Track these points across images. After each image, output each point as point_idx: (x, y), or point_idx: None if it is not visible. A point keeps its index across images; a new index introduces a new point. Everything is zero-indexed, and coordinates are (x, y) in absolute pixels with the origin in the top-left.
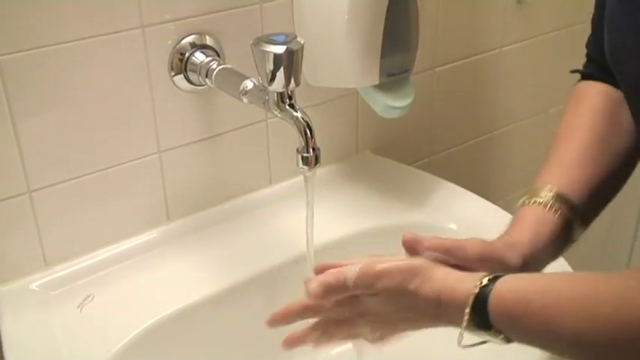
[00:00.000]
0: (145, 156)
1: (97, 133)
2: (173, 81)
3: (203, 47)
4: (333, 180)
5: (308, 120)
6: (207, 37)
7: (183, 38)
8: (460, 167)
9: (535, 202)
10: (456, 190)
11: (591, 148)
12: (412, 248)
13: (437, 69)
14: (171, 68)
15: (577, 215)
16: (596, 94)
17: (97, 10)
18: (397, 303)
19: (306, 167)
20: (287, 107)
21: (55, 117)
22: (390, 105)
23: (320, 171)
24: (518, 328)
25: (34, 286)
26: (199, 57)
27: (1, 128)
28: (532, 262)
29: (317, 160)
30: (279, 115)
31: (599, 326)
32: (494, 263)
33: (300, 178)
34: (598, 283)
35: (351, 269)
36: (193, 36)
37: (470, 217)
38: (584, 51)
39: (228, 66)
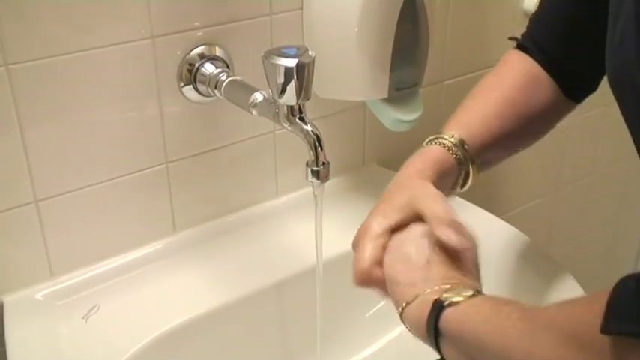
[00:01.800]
0: (153, 166)
1: (105, 143)
2: (182, 92)
3: (212, 58)
4: (339, 192)
5: (318, 134)
6: (217, 48)
7: (192, 49)
8: None
9: (439, 143)
10: (460, 203)
11: (498, 108)
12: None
13: (445, 82)
14: (180, 79)
15: (472, 163)
16: (521, 64)
17: (108, 21)
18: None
19: (315, 181)
20: (297, 120)
21: (62, 127)
22: (399, 119)
23: (326, 183)
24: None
25: (39, 295)
26: (209, 68)
27: (9, 137)
28: None
29: (327, 174)
30: (289, 128)
31: None
32: None
33: (307, 190)
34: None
35: None
36: (203, 47)
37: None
38: None
39: (238, 78)
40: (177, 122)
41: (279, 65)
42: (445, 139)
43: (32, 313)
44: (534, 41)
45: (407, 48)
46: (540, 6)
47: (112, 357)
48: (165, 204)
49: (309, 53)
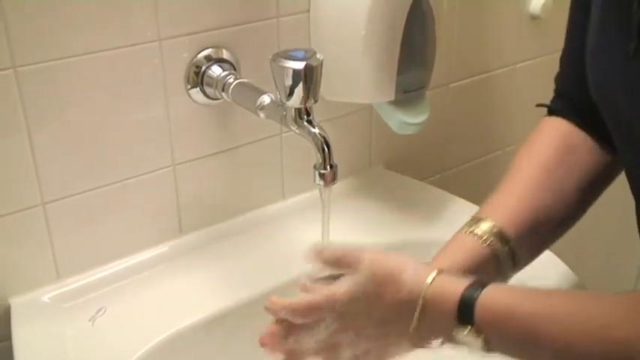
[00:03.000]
0: (160, 169)
1: (112, 145)
2: (189, 94)
3: (220, 61)
4: (345, 195)
5: (326, 136)
6: (224, 50)
7: (199, 52)
8: (472, 184)
9: (472, 232)
10: (467, 206)
11: (537, 183)
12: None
13: (451, 85)
14: (188, 81)
15: (510, 254)
16: (555, 130)
17: (115, 23)
18: (373, 318)
19: (323, 184)
20: (305, 123)
21: (70, 129)
22: (406, 121)
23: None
24: (502, 332)
25: (46, 298)
26: (216, 71)
27: (17, 139)
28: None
29: (334, 176)
30: (297, 131)
31: (585, 341)
32: None
33: (313, 192)
34: (588, 300)
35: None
36: (210, 49)
37: None
38: None
39: (245, 80)
40: (184, 125)
41: (287, 68)
42: (478, 228)
43: (39, 316)
44: (566, 101)
45: (414, 50)
46: (562, 66)
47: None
48: (172, 206)
49: (317, 56)
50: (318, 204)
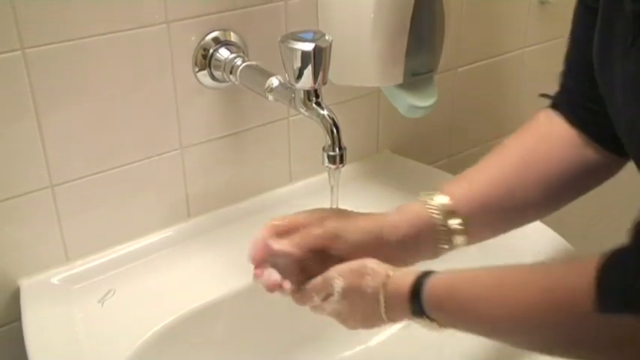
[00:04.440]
0: (167, 152)
1: (120, 128)
2: (197, 77)
3: (227, 43)
4: (352, 179)
5: (335, 118)
6: (232, 33)
7: (207, 34)
8: None
9: (425, 201)
10: None
11: (504, 180)
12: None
13: (459, 69)
14: (195, 64)
15: (456, 231)
16: (544, 123)
17: (123, 5)
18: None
19: (332, 166)
20: (314, 105)
21: (78, 111)
22: (414, 105)
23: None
24: (446, 315)
25: (55, 280)
26: (224, 53)
27: (25, 122)
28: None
29: (343, 158)
30: (306, 113)
31: (526, 309)
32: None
33: (321, 176)
34: (524, 273)
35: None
36: (218, 32)
37: None
38: None
39: (253, 63)
40: (192, 108)
41: (296, 49)
42: (432, 200)
43: (48, 297)
44: (564, 97)
45: (423, 33)
46: (565, 62)
47: (127, 341)
48: (179, 190)
49: (326, 37)
50: (325, 188)
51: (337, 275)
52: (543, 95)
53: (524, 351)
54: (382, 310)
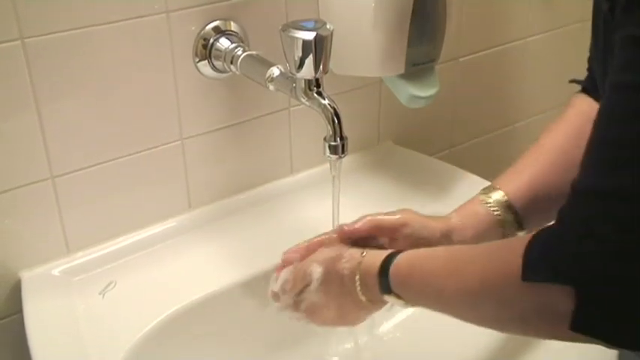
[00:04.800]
0: (168, 143)
1: (120, 119)
2: (197, 67)
3: (227, 33)
4: (353, 170)
5: (336, 108)
6: (232, 22)
7: (207, 24)
8: (481, 159)
9: (483, 200)
10: (476, 181)
11: (553, 167)
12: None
13: (460, 59)
14: (196, 54)
15: (515, 222)
16: (579, 110)
17: None
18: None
19: (333, 156)
20: (315, 95)
21: (78, 102)
22: (415, 95)
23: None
24: (407, 289)
25: (56, 272)
26: (224, 43)
27: (25, 113)
28: None
29: (344, 148)
30: (307, 102)
31: (466, 282)
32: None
33: (321, 167)
34: (471, 249)
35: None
36: (218, 21)
37: None
38: None
39: (254, 52)
40: (193, 98)
41: (297, 38)
42: (490, 198)
43: (49, 289)
44: (592, 80)
45: (425, 23)
46: (590, 47)
47: (129, 333)
48: (180, 181)
49: (327, 26)
50: (326, 179)
51: (314, 262)
52: (573, 81)
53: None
54: (358, 289)
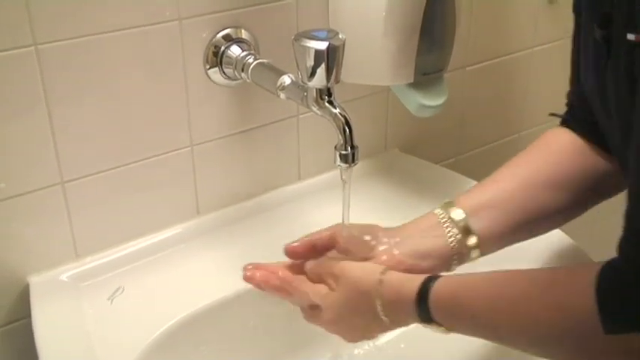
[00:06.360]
0: (178, 149)
1: (131, 124)
2: (208, 74)
3: (239, 41)
4: (360, 177)
5: (347, 117)
6: (243, 30)
7: (219, 31)
8: (487, 167)
9: (441, 214)
10: None
11: (516, 191)
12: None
13: (467, 68)
14: (207, 61)
15: (472, 244)
16: (557, 138)
17: (135, 2)
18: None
19: (344, 165)
20: (326, 104)
21: (89, 108)
22: (424, 104)
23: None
24: (454, 322)
25: (64, 277)
26: (235, 51)
27: (37, 118)
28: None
29: (355, 157)
30: (318, 111)
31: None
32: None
33: (329, 174)
34: (524, 285)
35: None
36: (229, 29)
37: None
38: None
39: (265, 60)
40: (203, 105)
41: (310, 48)
42: (447, 214)
43: (57, 294)
44: (576, 113)
45: (434, 32)
46: (570, 82)
47: (137, 338)
48: (189, 187)
49: (340, 36)
50: (333, 186)
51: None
52: (553, 114)
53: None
54: (379, 309)
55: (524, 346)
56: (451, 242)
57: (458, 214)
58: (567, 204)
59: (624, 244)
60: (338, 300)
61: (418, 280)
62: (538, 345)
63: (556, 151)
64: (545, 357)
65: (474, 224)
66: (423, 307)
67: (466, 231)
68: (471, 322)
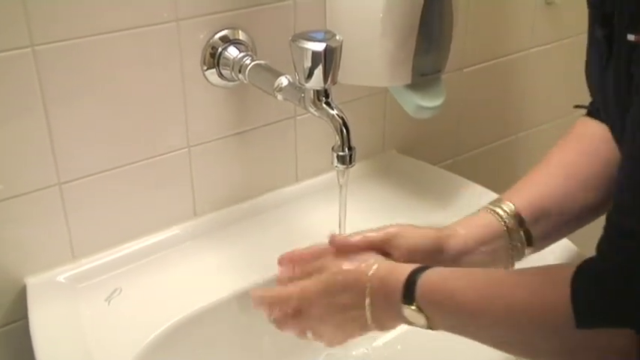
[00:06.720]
0: (175, 150)
1: (128, 126)
2: (205, 75)
3: (236, 42)
4: (358, 178)
5: (345, 118)
6: (241, 31)
7: (216, 33)
8: (485, 169)
9: (492, 210)
10: (480, 190)
11: (563, 186)
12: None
13: (465, 70)
14: (204, 63)
15: (523, 235)
16: (591, 134)
17: (133, 3)
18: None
19: (341, 166)
20: (323, 105)
21: (86, 109)
22: (422, 105)
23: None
24: (437, 307)
25: (61, 278)
26: (233, 52)
27: (34, 120)
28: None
29: (352, 158)
30: (316, 113)
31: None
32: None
33: (327, 175)
34: (511, 276)
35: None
36: (226, 30)
37: None
38: None
39: (262, 62)
40: (200, 106)
41: (307, 49)
42: (499, 208)
43: (54, 296)
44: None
45: (432, 33)
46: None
47: (135, 340)
48: (186, 188)
49: (337, 37)
50: (330, 187)
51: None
52: (577, 106)
53: None
54: (367, 302)
55: (504, 338)
56: (504, 227)
57: (508, 206)
58: (601, 202)
59: (602, 243)
60: (316, 286)
61: (414, 265)
62: (516, 338)
63: (590, 143)
64: (523, 351)
65: (523, 213)
66: (410, 288)
67: (517, 220)
68: (454, 308)
